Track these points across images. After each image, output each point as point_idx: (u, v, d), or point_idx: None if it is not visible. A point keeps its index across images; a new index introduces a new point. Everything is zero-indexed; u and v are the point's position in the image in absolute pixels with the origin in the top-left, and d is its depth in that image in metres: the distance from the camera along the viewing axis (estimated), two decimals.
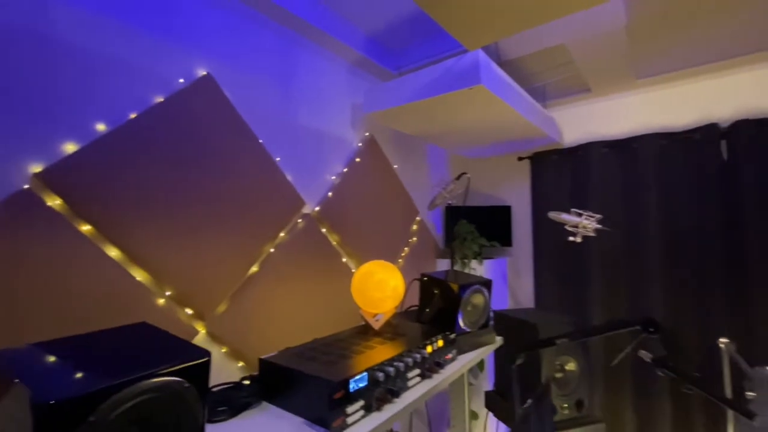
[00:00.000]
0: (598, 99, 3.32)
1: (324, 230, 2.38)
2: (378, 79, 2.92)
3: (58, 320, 1.30)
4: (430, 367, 1.24)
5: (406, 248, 3.05)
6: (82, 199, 1.40)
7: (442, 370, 1.26)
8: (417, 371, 1.18)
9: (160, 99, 1.66)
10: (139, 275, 1.55)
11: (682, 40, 2.53)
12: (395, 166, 3.05)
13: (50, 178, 1.33)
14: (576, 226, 2.36)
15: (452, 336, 1.40)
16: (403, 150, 3.20)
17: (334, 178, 2.51)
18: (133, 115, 1.57)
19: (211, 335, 1.76)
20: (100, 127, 1.49)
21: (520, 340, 1.83)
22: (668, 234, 2.89)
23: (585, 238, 2.38)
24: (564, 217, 2.39)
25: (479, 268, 3.10)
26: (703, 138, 2.80)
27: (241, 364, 1.88)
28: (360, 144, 2.74)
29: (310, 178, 2.35)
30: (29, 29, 1.33)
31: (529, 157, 3.59)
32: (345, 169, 2.58)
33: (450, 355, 1.36)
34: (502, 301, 3.42)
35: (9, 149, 1.27)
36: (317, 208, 2.35)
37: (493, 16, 1.58)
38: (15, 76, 1.29)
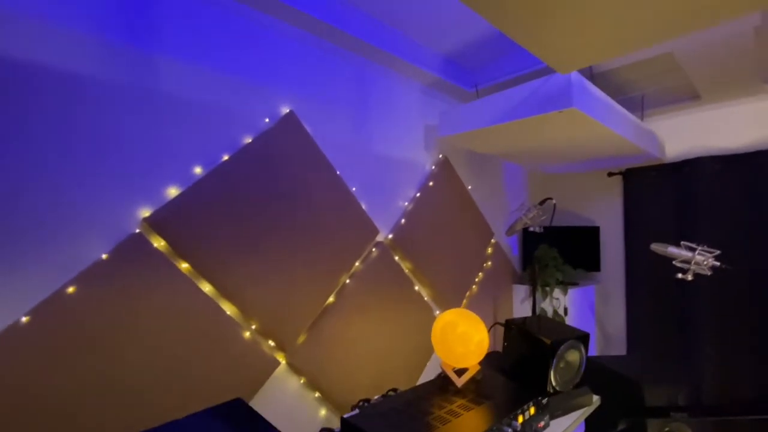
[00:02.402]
0: (711, 107, 2.86)
1: (396, 258, 2.35)
2: (453, 99, 2.82)
3: (158, 355, 1.41)
4: None
5: (480, 273, 2.91)
6: (182, 240, 1.51)
7: None
8: None
9: (248, 140, 1.74)
10: (229, 309, 1.63)
11: None
12: (469, 187, 2.92)
13: (157, 222, 1.46)
14: (688, 262, 2.04)
15: (544, 401, 1.26)
16: (477, 169, 3.05)
17: (406, 203, 2.47)
18: (225, 157, 1.67)
19: (291, 366, 1.81)
20: (198, 170, 1.60)
21: (619, 399, 1.62)
22: None
23: (697, 275, 2.05)
24: (672, 250, 2.07)
25: (562, 298, 2.84)
26: None
27: (317, 394, 1.91)
28: (433, 167, 2.66)
29: (383, 206, 2.32)
30: (136, 84, 1.46)
31: (621, 173, 3.22)
32: (417, 194, 2.52)
33: (542, 423, 1.23)
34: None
35: (123, 196, 1.41)
36: (390, 236, 2.32)
37: (590, 41, 1.41)
38: (125, 127, 1.43)
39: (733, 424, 1.29)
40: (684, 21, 1.24)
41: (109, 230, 1.37)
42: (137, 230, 1.42)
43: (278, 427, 1.74)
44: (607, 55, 1.47)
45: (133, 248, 1.40)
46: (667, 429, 1.58)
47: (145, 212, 1.45)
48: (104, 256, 1.34)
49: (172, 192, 1.52)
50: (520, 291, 3.12)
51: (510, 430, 1.08)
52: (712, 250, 1.99)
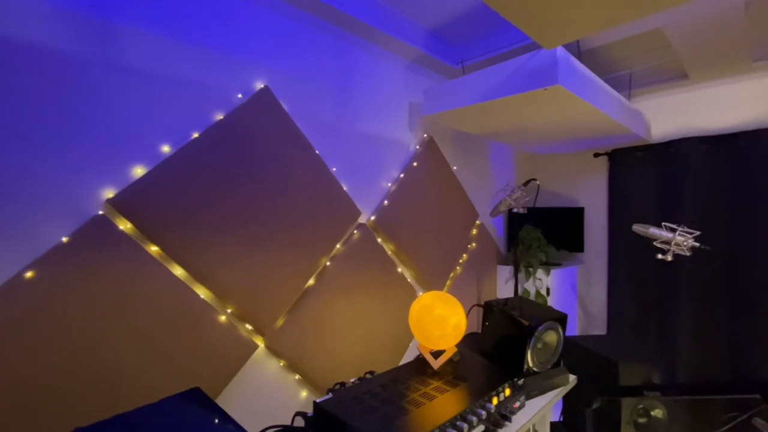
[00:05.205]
0: (698, 86, 2.83)
1: (379, 240, 2.31)
2: (438, 75, 2.74)
3: (126, 341, 1.37)
4: (496, 420, 1.12)
5: (464, 255, 2.90)
6: (150, 221, 1.44)
7: (509, 423, 1.14)
8: (481, 428, 1.07)
9: (220, 116, 1.65)
10: (203, 293, 1.59)
11: None
12: (454, 168, 2.87)
13: (121, 203, 1.38)
14: (668, 243, 2.05)
15: (520, 382, 1.26)
16: (463, 149, 3.00)
17: (389, 184, 2.41)
18: (195, 135, 1.59)
19: (270, 349, 1.78)
20: (165, 148, 1.51)
21: (596, 378, 1.64)
22: None
23: (677, 256, 2.06)
24: (653, 231, 2.08)
25: (545, 279, 2.86)
26: None
27: (297, 377, 1.90)
28: (417, 147, 2.60)
29: (366, 187, 2.27)
30: (101, 59, 1.36)
31: (607, 154, 3.20)
32: (401, 175, 2.46)
33: (517, 404, 1.23)
34: (570, 313, 3.14)
35: (84, 176, 1.33)
36: (372, 218, 2.28)
37: (576, 14, 1.34)
38: (86, 102, 1.34)
39: (706, 402, 1.32)
40: None
41: (70, 213, 1.30)
42: (100, 212, 1.35)
43: (259, 408, 1.74)
44: (595, 28, 1.41)
45: (96, 231, 1.33)
46: (640, 407, 1.61)
47: (109, 193, 1.37)
48: (65, 240, 1.27)
49: (138, 171, 1.44)
50: (505, 272, 3.13)
51: (483, 412, 1.08)
52: (692, 231, 1.99)
